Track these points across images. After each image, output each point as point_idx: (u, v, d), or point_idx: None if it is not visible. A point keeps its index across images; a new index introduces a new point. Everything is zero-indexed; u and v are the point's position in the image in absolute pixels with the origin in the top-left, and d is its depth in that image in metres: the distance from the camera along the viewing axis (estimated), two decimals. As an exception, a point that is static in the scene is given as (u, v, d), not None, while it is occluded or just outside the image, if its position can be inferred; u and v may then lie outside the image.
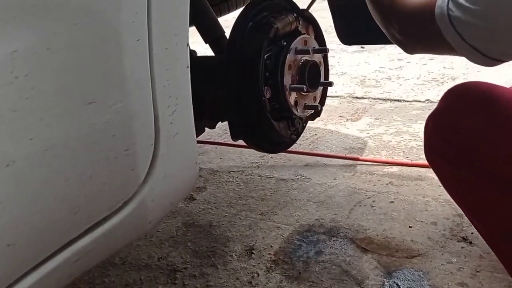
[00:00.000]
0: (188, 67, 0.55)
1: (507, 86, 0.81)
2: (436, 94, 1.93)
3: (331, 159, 1.51)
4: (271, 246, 1.12)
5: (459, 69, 2.06)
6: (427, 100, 1.90)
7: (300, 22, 0.96)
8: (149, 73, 0.51)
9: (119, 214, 0.52)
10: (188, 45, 0.55)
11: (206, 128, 1.11)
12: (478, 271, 0.96)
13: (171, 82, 0.53)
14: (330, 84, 1.02)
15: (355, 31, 1.26)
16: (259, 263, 1.07)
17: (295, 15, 0.95)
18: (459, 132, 0.75)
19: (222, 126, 1.51)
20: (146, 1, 0.48)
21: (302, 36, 0.95)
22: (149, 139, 0.53)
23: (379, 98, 1.97)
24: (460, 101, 0.77)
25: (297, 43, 0.93)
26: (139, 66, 0.49)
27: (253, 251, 1.12)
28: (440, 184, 1.28)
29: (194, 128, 0.59)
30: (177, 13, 0.52)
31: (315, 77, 0.98)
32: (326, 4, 1.30)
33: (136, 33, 0.48)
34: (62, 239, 0.48)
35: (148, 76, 0.50)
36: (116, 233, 0.53)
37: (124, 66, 0.48)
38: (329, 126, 1.79)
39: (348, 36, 1.28)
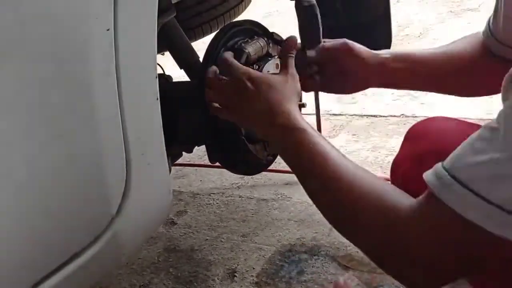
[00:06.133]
0: (157, 98, 0.56)
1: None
2: (410, 109, 1.98)
3: (310, 176, 1.52)
4: (253, 268, 1.12)
5: (431, 83, 2.12)
6: (402, 114, 1.94)
7: (271, 45, 0.98)
8: (118, 107, 0.51)
9: (92, 248, 0.52)
10: (156, 77, 0.55)
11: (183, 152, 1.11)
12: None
13: (141, 114, 0.54)
14: (303, 105, 1.04)
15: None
16: (241, 286, 1.07)
17: (265, 39, 0.96)
18: None
19: (202, 148, 1.51)
20: (113, 37, 0.48)
21: (273, 60, 0.96)
22: (121, 171, 0.53)
23: (356, 114, 2.00)
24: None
25: (268, 66, 0.94)
26: (108, 100, 0.50)
27: (235, 274, 1.11)
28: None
29: (166, 157, 0.59)
30: (144, 47, 0.53)
31: (288, 99, 0.99)
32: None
33: (104, 68, 0.49)
34: (32, 278, 0.47)
35: (117, 110, 0.51)
36: (90, 268, 0.52)
37: (92, 101, 0.49)
38: (308, 144, 1.81)
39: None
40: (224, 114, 0.82)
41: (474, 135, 0.50)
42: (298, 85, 0.79)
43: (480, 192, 0.46)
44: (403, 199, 0.57)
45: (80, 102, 0.49)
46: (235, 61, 0.79)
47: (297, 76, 0.79)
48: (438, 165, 0.52)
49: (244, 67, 0.79)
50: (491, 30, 0.81)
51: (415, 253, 0.53)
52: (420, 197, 0.54)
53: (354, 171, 0.63)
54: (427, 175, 0.52)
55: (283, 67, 0.79)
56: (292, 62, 0.79)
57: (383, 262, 0.58)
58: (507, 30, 0.77)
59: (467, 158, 0.48)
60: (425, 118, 0.91)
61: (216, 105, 0.81)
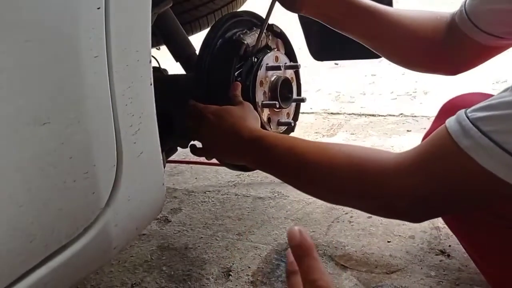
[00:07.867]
0: (151, 84, 0.53)
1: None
2: (409, 108, 1.96)
3: (308, 175, 1.49)
4: (249, 267, 1.09)
5: (431, 83, 2.10)
6: (401, 114, 1.92)
7: (270, 37, 0.96)
8: (109, 92, 0.48)
9: (79, 241, 0.49)
10: (150, 61, 0.53)
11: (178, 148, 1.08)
12: (457, 284, 0.95)
13: (134, 100, 0.51)
14: (303, 100, 1.01)
15: (327, 47, 1.27)
16: (236, 285, 1.04)
17: (264, 30, 0.94)
18: None
19: (197, 145, 1.48)
20: (104, 16, 0.46)
21: (272, 52, 0.94)
22: (111, 161, 0.50)
23: (354, 113, 1.98)
24: None
25: (267, 59, 0.92)
26: (98, 84, 0.47)
27: (230, 272, 1.08)
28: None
29: (159, 147, 0.56)
30: (137, 29, 0.50)
31: (287, 93, 0.97)
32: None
33: (94, 50, 0.46)
34: (16, 271, 0.44)
35: (108, 95, 0.48)
36: (77, 262, 0.50)
37: (81, 85, 0.46)
38: (306, 142, 1.78)
39: (320, 52, 1.28)
40: (204, 153, 0.90)
41: (501, 94, 0.53)
42: (255, 112, 0.86)
43: (501, 143, 0.50)
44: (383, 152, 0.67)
45: (67, 87, 0.46)
46: (196, 103, 0.86)
47: (251, 105, 0.86)
48: (461, 113, 0.55)
49: (203, 105, 0.85)
50: (466, 11, 0.81)
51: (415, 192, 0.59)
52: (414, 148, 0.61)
53: (341, 146, 0.71)
54: (449, 121, 0.56)
55: (236, 103, 0.85)
56: (240, 98, 0.86)
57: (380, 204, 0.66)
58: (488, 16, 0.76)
59: (491, 112, 0.52)
60: (459, 94, 0.90)
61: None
